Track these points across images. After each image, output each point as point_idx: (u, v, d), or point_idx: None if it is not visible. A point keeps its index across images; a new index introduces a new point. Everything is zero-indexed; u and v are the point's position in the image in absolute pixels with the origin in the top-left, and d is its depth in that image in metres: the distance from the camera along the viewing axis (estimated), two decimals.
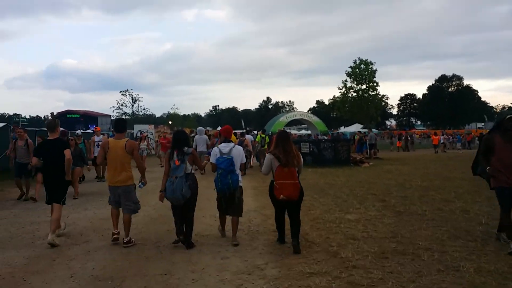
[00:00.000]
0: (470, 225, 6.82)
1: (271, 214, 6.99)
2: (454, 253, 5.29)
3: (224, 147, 6.16)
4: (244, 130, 22.63)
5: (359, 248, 5.66)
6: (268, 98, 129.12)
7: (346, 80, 58.97)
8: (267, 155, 5.98)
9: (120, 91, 58.51)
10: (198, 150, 15.59)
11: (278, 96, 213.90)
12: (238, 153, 6.12)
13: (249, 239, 6.39)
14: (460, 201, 9.06)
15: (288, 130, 56.07)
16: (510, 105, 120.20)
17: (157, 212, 8.51)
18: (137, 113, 59.98)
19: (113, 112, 58.32)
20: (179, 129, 7.93)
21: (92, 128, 58.51)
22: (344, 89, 59.37)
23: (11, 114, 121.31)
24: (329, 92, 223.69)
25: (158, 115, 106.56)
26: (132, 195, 6.26)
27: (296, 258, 5.34)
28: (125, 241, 6.08)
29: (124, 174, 6.12)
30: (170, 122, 61.27)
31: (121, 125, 6.54)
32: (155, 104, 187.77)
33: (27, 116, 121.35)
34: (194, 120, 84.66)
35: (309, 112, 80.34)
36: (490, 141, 5.52)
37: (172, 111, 68.77)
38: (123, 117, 56.27)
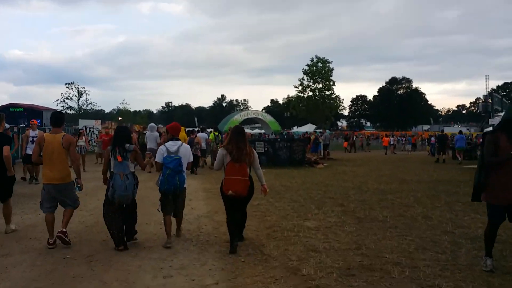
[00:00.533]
0: (435, 234, 6.37)
1: (223, 221, 6.40)
2: (425, 269, 4.75)
3: (172, 145, 5.90)
4: (198, 128, 21.65)
5: (321, 263, 5.02)
6: (222, 95, 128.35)
7: (303, 79, 58.45)
8: (219, 150, 5.86)
9: (66, 84, 54.76)
10: (148, 147, 14.84)
11: (233, 94, 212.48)
12: (185, 152, 5.93)
13: (197, 252, 5.59)
14: (420, 206, 8.68)
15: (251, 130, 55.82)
16: (454, 108, 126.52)
17: (94, 218, 7.52)
18: (85, 107, 56.85)
19: (57, 106, 54.68)
20: (121, 125, 7.46)
21: (38, 122, 55.21)
22: (300, 87, 58.77)
23: None
24: (284, 91, 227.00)
25: (107, 110, 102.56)
26: (71, 192, 5.93)
27: (251, 276, 4.63)
28: (61, 230, 5.70)
29: (61, 171, 5.75)
30: (120, 118, 58.68)
31: (58, 118, 6.05)
32: (105, 98, 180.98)
33: None
34: (146, 116, 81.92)
35: (264, 111, 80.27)
36: (496, 140, 4.61)
37: (121, 107, 65.89)
38: (69, 111, 53.29)
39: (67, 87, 53.77)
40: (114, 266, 5.02)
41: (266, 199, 9.35)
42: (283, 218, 7.56)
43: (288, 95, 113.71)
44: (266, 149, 17.63)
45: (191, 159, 6.14)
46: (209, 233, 6.59)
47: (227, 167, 5.50)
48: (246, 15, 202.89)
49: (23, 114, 70.06)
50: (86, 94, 55.61)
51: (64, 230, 5.74)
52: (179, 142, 6.02)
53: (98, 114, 74.03)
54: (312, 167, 17.31)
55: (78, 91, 54.19)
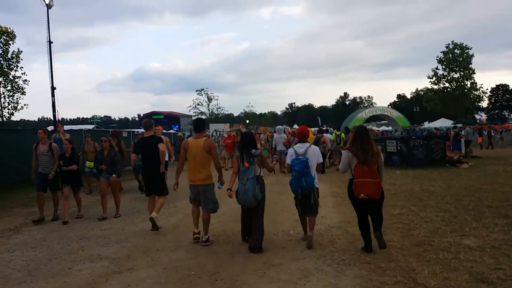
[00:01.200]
0: None
1: (358, 233, 5.71)
2: None
3: (299, 147, 5.93)
4: (323, 128, 20.78)
5: None
6: (345, 93, 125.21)
7: (437, 68, 52.18)
8: (344, 152, 5.64)
9: (196, 91, 58.32)
10: (278, 149, 15.27)
11: (356, 91, 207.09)
12: (313, 154, 5.86)
13: (333, 275, 4.69)
14: None
15: (368, 127, 53.00)
16: None
17: (221, 226, 7.24)
18: (216, 112, 59.85)
19: (189, 111, 58.76)
20: (246, 131, 7.82)
21: (175, 128, 59.59)
22: (434, 78, 52.62)
23: (102, 116, 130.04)
24: (411, 85, 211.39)
25: (236, 114, 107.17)
26: (211, 194, 6.18)
27: None
28: (203, 239, 6.06)
29: (203, 173, 6.07)
30: (247, 121, 60.62)
31: (200, 124, 6.48)
32: (232, 103, 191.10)
33: (116, 118, 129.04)
34: (270, 118, 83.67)
35: (390, 107, 75.83)
36: None
37: (247, 110, 68.07)
38: (201, 116, 56.50)
39: (197, 94, 57.27)
40: None
41: (407, 207, 8.08)
42: (433, 233, 6.21)
43: (417, 89, 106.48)
44: (399, 148, 15.91)
45: (320, 160, 5.95)
46: (344, 249, 5.64)
47: (355, 169, 5.27)
48: (366, 9, 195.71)
49: (163, 121, 77.07)
50: (215, 99, 58.37)
51: (207, 236, 6.10)
52: (307, 144, 5.96)
53: (228, 118, 77.73)
54: (455, 167, 15.09)
55: (207, 97, 57.19)
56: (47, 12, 16.36)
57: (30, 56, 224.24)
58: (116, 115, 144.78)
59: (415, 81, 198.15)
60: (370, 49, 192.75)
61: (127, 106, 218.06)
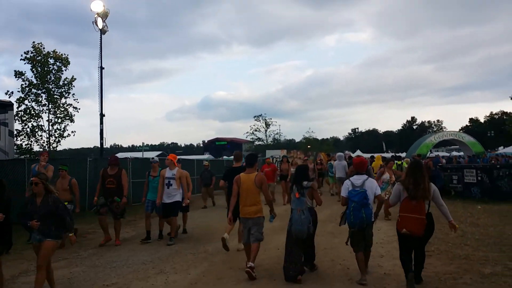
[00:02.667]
0: None
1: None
2: None
3: (356, 179, 5.80)
4: (392, 155, 19.22)
5: None
6: (412, 118, 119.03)
7: None
8: (396, 184, 5.62)
9: (254, 116, 55.67)
10: (337, 176, 15.07)
11: (423, 116, 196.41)
12: (371, 186, 5.70)
13: None
14: None
15: (437, 153, 49.03)
16: None
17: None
18: (278, 138, 58.19)
19: (246, 137, 57.32)
20: (300, 164, 7.46)
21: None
22: None
23: (169, 143, 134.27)
24: (484, 109, 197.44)
25: (297, 140, 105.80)
26: (260, 227, 6.25)
27: None
28: (248, 265, 5.97)
29: (254, 206, 6.20)
30: (309, 146, 58.69)
31: (251, 160, 6.52)
32: (295, 129, 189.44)
33: (182, 145, 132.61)
34: (331, 143, 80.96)
35: (461, 131, 70.49)
36: None
37: (307, 135, 65.86)
38: (257, 142, 55.16)
39: (255, 120, 55.65)
40: None
41: (503, 263, 6.17)
42: None
43: (491, 112, 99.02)
44: (479, 178, 13.58)
45: (378, 191, 5.78)
46: None
47: (402, 203, 5.26)
48: (437, 33, 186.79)
49: (226, 147, 77.56)
50: (273, 125, 56.69)
51: (252, 265, 5.94)
52: (365, 176, 5.83)
53: (289, 144, 76.37)
54: None
55: (265, 122, 55.64)
56: (100, 37, 16.21)
57: (107, 87, 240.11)
58: (182, 142, 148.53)
59: (488, 105, 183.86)
60: (440, 73, 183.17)
61: (193, 133, 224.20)
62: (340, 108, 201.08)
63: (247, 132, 55.28)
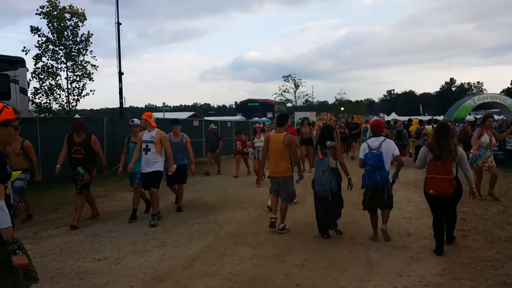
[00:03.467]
0: None
1: None
2: None
3: (373, 141, 5.75)
4: (431, 118, 18.34)
5: None
6: (451, 79, 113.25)
7: None
8: (422, 148, 5.48)
9: (283, 77, 53.88)
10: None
11: (463, 78, 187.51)
12: (388, 148, 5.64)
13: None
14: None
15: (476, 116, 46.25)
16: None
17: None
18: (310, 100, 56.09)
19: (274, 98, 55.54)
20: (325, 124, 7.62)
21: (269, 115, 56.68)
22: None
23: (202, 103, 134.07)
24: None
25: (330, 102, 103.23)
26: (289, 185, 6.32)
27: None
28: (279, 227, 6.26)
29: (282, 165, 6.23)
30: (342, 109, 56.65)
31: (282, 120, 6.58)
32: (328, 91, 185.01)
33: (215, 106, 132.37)
34: (366, 106, 78.26)
35: (503, 93, 66.28)
36: None
37: (339, 97, 63.20)
38: (288, 104, 53.45)
39: (284, 80, 53.52)
40: None
41: None
42: None
43: None
44: None
45: (396, 152, 5.71)
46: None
47: (428, 165, 5.17)
48: None
49: (258, 108, 76.41)
50: (303, 85, 54.64)
51: (283, 225, 6.30)
52: (382, 138, 5.78)
53: (322, 106, 74.41)
54: None
55: (294, 83, 53.46)
56: None
57: (141, 47, 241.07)
58: (215, 102, 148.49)
59: None
60: (480, 32, 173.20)
61: (226, 94, 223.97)
62: (375, 69, 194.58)
63: (276, 93, 53.75)
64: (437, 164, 5.01)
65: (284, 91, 52.88)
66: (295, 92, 53.42)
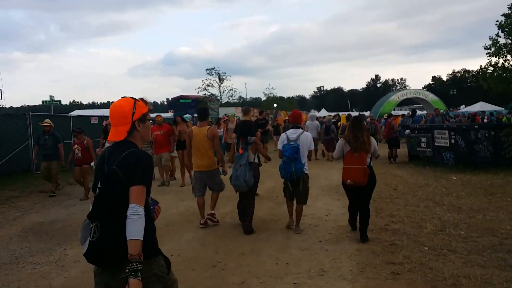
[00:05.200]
0: None
1: None
2: None
3: (292, 133, 5.88)
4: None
5: None
6: (376, 76, 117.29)
7: (497, 35, 36.43)
8: (339, 139, 5.77)
9: (206, 70, 49.34)
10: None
11: (387, 74, 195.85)
12: (305, 140, 5.81)
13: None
14: None
15: (399, 112, 47.18)
16: None
17: None
18: (243, 96, 52.26)
19: (198, 93, 51.55)
20: (244, 119, 6.93)
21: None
22: (493, 48, 36.60)
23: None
24: (447, 67, 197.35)
25: (263, 98, 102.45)
26: (217, 178, 6.29)
27: None
28: (210, 212, 6.30)
29: (207, 159, 6.18)
30: (275, 105, 55.20)
31: (203, 113, 6.49)
32: (261, 87, 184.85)
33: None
34: (297, 102, 78.26)
35: (425, 89, 69.17)
36: None
37: (267, 92, 61.23)
38: (215, 98, 50.03)
39: (207, 73, 48.97)
40: None
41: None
42: None
43: (454, 70, 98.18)
44: (452, 141, 11.09)
45: (312, 147, 6.02)
46: None
47: (345, 156, 5.39)
48: None
49: (191, 105, 73.56)
50: (227, 79, 50.55)
51: (212, 212, 6.35)
52: (300, 130, 5.91)
53: (255, 102, 72.96)
54: None
55: (219, 77, 49.38)
56: None
57: (65, 41, 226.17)
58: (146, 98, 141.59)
59: (451, 63, 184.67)
60: (403, 31, 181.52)
61: (157, 90, 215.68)
62: (305, 66, 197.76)
63: (199, 87, 48.61)
64: (354, 155, 5.23)
65: (208, 85, 49.42)
66: (219, 86, 49.90)
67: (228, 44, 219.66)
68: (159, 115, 11.00)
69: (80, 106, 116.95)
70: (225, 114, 21.69)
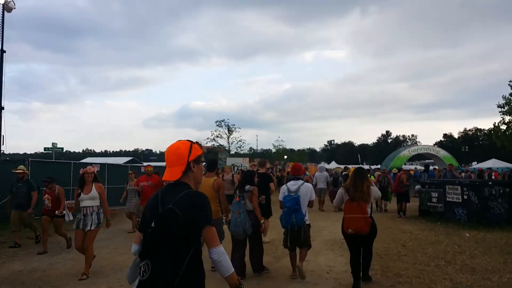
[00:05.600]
0: None
1: None
2: None
3: (292, 185, 5.92)
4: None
5: None
6: (387, 131, 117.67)
7: (510, 95, 34.65)
8: (339, 189, 5.75)
9: (216, 121, 50.05)
10: (318, 187, 14.70)
11: (398, 131, 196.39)
12: (306, 191, 5.83)
13: None
14: None
15: (411, 166, 46.39)
16: None
17: None
18: (242, 146, 51.90)
19: (206, 143, 51.93)
20: (247, 170, 7.67)
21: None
22: (506, 107, 35.28)
23: (144, 149, 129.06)
24: (457, 126, 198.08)
25: (274, 150, 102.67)
26: (219, 227, 5.99)
27: None
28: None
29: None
30: (285, 157, 54.91)
31: (212, 165, 6.55)
32: (271, 139, 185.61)
33: (157, 152, 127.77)
34: (303, 154, 78.03)
35: (435, 146, 68.59)
36: None
37: (276, 144, 60.97)
38: (223, 148, 49.86)
39: (217, 125, 49.77)
40: None
41: None
42: None
43: (465, 128, 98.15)
44: (465, 197, 10.51)
45: (313, 197, 5.94)
46: None
47: (345, 206, 5.36)
48: (410, 53, 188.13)
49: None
50: (237, 131, 50.31)
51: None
52: (300, 182, 5.94)
53: (265, 154, 73.02)
54: None
55: (228, 128, 50.02)
56: (3, 14, 12.75)
57: (83, 93, 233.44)
58: (157, 148, 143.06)
59: (461, 122, 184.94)
60: (413, 91, 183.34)
61: (170, 141, 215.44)
62: (317, 121, 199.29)
63: (208, 138, 48.80)
64: (353, 204, 5.17)
65: (217, 136, 49.56)
66: (228, 137, 50.09)
67: (242, 99, 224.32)
68: (149, 165, 10.76)
69: (93, 154, 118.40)
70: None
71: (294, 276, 5.80)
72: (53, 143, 20.70)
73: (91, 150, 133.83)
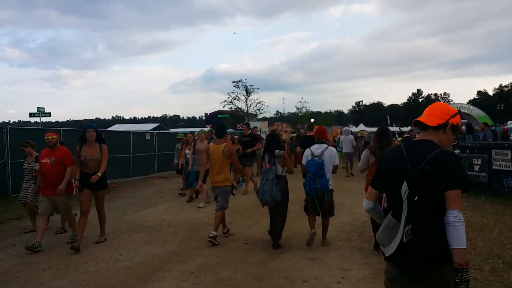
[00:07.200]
0: None
1: None
2: None
3: (316, 149, 5.81)
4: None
5: None
6: (418, 90, 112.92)
7: None
8: (364, 151, 5.65)
9: (233, 82, 44.83)
10: (344, 151, 14.56)
11: (430, 89, 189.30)
12: (330, 156, 5.73)
13: None
14: None
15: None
16: None
17: None
18: (261, 108, 47.94)
19: (223, 107, 48.28)
20: (271, 132, 7.54)
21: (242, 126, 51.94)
22: None
23: (172, 115, 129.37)
24: (492, 82, 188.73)
25: (297, 112, 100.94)
26: (226, 195, 6.32)
27: None
28: (210, 235, 6.03)
29: (221, 175, 6.27)
30: (312, 120, 53.22)
31: (221, 131, 6.46)
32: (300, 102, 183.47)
33: (185, 117, 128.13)
34: (335, 117, 76.00)
35: (469, 104, 65.56)
36: None
37: (300, 106, 56.65)
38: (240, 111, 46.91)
39: (234, 86, 44.93)
40: None
41: None
42: None
43: (501, 85, 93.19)
44: None
45: (337, 162, 5.84)
46: None
47: (371, 167, 5.25)
48: (442, 5, 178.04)
49: (228, 119, 73.64)
50: (254, 92, 45.38)
51: (214, 234, 6.05)
52: (324, 146, 5.83)
53: (292, 117, 71.85)
54: None
55: (246, 89, 44.84)
56: None
57: (111, 59, 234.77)
58: (185, 114, 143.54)
59: (496, 78, 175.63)
60: (446, 46, 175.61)
61: (197, 106, 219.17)
62: (345, 81, 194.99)
63: (225, 101, 45.33)
64: None
65: (234, 99, 45.01)
66: (246, 99, 45.25)
67: (268, 61, 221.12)
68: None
69: (122, 120, 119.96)
70: (190, 132, 16.02)
71: (311, 235, 5.64)
72: (38, 108, 17.67)
73: (120, 117, 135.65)
